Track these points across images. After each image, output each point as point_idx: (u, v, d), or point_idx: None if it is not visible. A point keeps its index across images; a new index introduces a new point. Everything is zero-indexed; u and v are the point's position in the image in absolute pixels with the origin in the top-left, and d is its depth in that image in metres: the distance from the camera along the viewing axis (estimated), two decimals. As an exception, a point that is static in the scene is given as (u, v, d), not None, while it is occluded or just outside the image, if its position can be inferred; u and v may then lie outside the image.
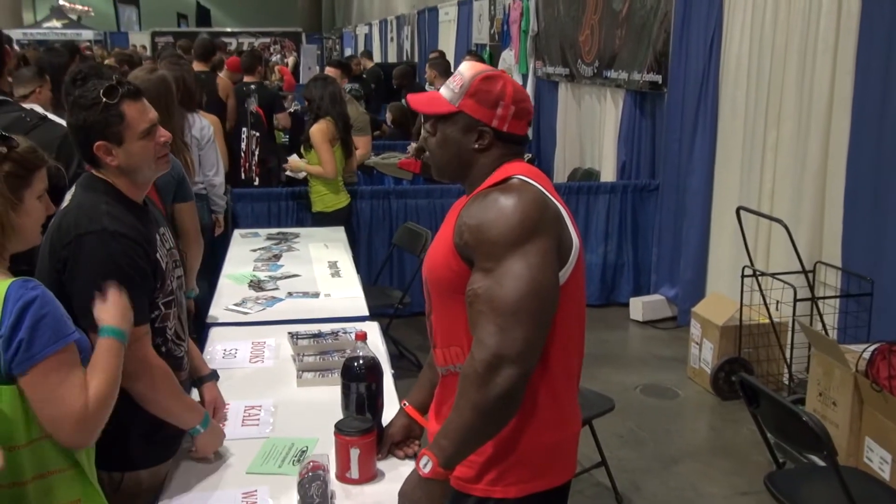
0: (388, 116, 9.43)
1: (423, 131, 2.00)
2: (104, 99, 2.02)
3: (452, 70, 7.25)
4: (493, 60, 9.97)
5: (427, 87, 7.70)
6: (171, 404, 2.13)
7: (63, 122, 3.44)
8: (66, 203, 2.11)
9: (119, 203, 2.07)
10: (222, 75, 7.49)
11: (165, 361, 2.13)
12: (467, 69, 1.90)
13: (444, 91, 1.91)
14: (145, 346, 2.05)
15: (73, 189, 2.15)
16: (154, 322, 2.12)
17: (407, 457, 2.20)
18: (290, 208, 5.94)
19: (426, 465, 1.79)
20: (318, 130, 5.14)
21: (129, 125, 2.05)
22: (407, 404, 2.23)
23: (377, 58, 18.36)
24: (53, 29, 23.94)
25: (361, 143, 6.04)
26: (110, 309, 1.89)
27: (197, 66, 6.86)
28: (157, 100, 3.25)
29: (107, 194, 2.07)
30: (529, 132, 8.87)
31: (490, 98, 1.87)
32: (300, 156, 5.58)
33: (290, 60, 17.64)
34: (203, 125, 4.55)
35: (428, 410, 2.14)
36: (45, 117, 3.36)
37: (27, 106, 4.22)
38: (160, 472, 2.18)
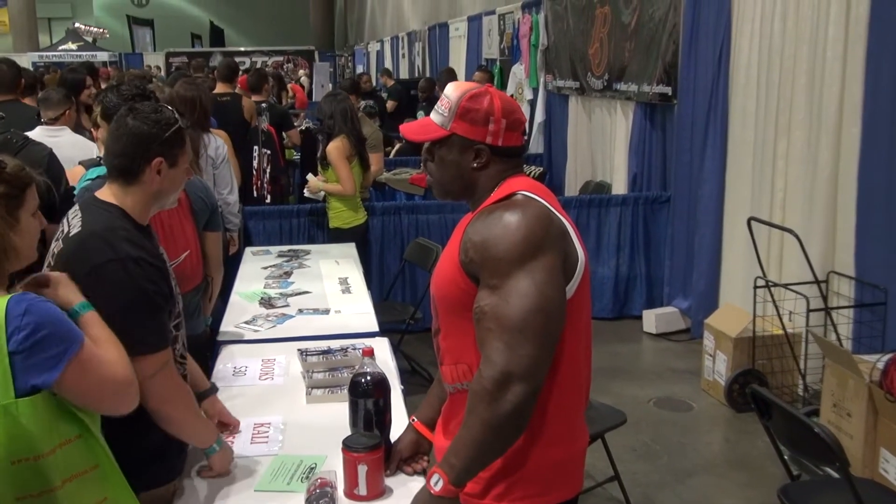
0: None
1: (424, 156, 2.00)
2: (178, 122, 2.12)
3: None
4: (504, 75, 10.01)
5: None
6: (195, 424, 2.17)
7: (43, 143, 3.54)
8: (74, 227, 2.07)
9: (132, 226, 2.08)
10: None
11: None
12: (452, 90, 1.91)
13: (434, 116, 1.92)
14: (172, 368, 2.08)
15: (76, 210, 2.14)
16: None
17: (415, 473, 2.20)
18: (301, 225, 5.97)
19: (437, 483, 1.79)
20: (335, 148, 5.17)
21: (185, 153, 2.16)
22: (415, 420, 2.23)
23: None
24: (69, 51, 24.22)
25: (374, 160, 6.07)
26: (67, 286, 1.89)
27: (220, 88, 6.88)
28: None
29: (120, 219, 2.07)
30: (539, 141, 8.94)
31: (479, 116, 1.87)
32: (314, 174, 5.61)
33: (304, 80, 17.74)
34: (218, 144, 4.61)
35: (436, 427, 2.14)
36: (28, 138, 3.47)
37: (56, 128, 4.32)
38: (168, 492, 2.19)
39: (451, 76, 7.79)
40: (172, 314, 2.16)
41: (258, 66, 18.82)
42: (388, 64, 19.51)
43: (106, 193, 2.13)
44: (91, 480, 1.80)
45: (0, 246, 1.74)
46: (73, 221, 2.09)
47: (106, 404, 1.83)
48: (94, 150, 4.31)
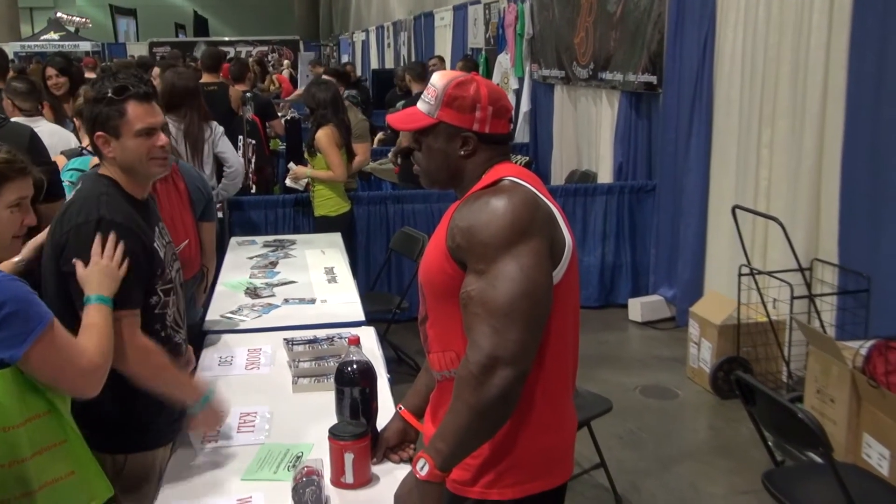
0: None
1: (411, 145, 2.00)
2: (110, 94, 2.18)
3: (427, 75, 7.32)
4: (490, 64, 10.00)
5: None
6: (158, 385, 2.20)
7: (26, 124, 3.64)
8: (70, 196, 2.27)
9: (119, 195, 2.21)
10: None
11: (165, 346, 2.24)
12: (439, 79, 1.91)
13: (421, 104, 1.92)
14: (131, 327, 2.13)
15: (79, 184, 2.31)
16: (154, 308, 2.24)
17: (402, 461, 2.20)
18: (287, 215, 5.95)
19: (423, 468, 1.79)
20: (325, 135, 5.17)
21: (127, 121, 2.19)
22: (402, 408, 2.23)
23: (374, 63, 18.41)
24: (51, 41, 23.96)
25: (360, 150, 6.05)
26: (91, 278, 2.04)
27: (206, 78, 6.76)
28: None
29: (107, 187, 2.21)
30: (525, 130, 8.93)
31: (466, 103, 1.87)
32: (298, 163, 5.59)
33: (286, 73, 17.64)
34: (212, 125, 4.87)
35: (423, 414, 2.14)
36: (7, 118, 3.51)
37: (33, 119, 4.33)
38: (163, 455, 2.25)
39: (421, 67, 7.74)
40: (162, 278, 2.25)
41: (242, 55, 18.70)
42: (373, 54, 19.43)
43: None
44: (59, 454, 1.88)
45: None
46: (74, 193, 2.29)
47: (68, 385, 1.90)
48: (72, 139, 4.31)
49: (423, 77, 7.29)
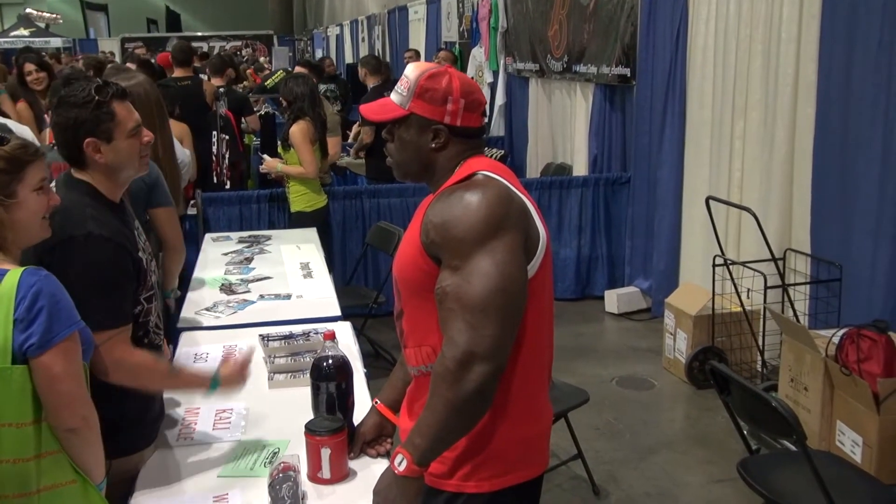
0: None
1: (384, 136, 1.99)
2: (96, 97, 2.10)
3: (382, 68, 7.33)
4: (464, 58, 9.99)
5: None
6: (155, 390, 2.21)
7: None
8: None
9: (101, 205, 2.14)
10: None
11: (147, 350, 2.21)
12: (412, 70, 1.90)
13: (394, 96, 1.91)
14: (118, 345, 2.09)
15: (52, 187, 2.17)
16: (138, 317, 2.20)
17: (379, 455, 2.20)
18: (262, 211, 5.92)
19: (401, 463, 1.79)
20: (299, 130, 5.13)
21: (118, 123, 2.14)
22: (378, 402, 2.23)
23: (349, 58, 18.33)
24: (21, 37, 23.68)
25: (331, 144, 6.03)
26: None
27: (179, 72, 6.70)
28: (145, 104, 3.37)
29: (89, 195, 2.13)
30: (500, 124, 8.94)
31: (437, 95, 1.86)
32: (272, 155, 5.56)
33: (262, 61, 17.54)
34: None
35: (399, 408, 2.14)
36: None
37: None
38: (139, 460, 2.23)
39: (376, 60, 7.70)
40: (144, 286, 2.20)
41: (215, 51, 18.57)
42: (347, 48, 19.34)
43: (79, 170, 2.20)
44: (63, 461, 1.89)
45: None
46: None
47: (57, 399, 1.85)
48: (27, 133, 4.30)
49: (379, 70, 7.28)
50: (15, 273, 1.81)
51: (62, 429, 1.86)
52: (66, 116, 2.12)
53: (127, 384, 2.10)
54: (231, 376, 2.27)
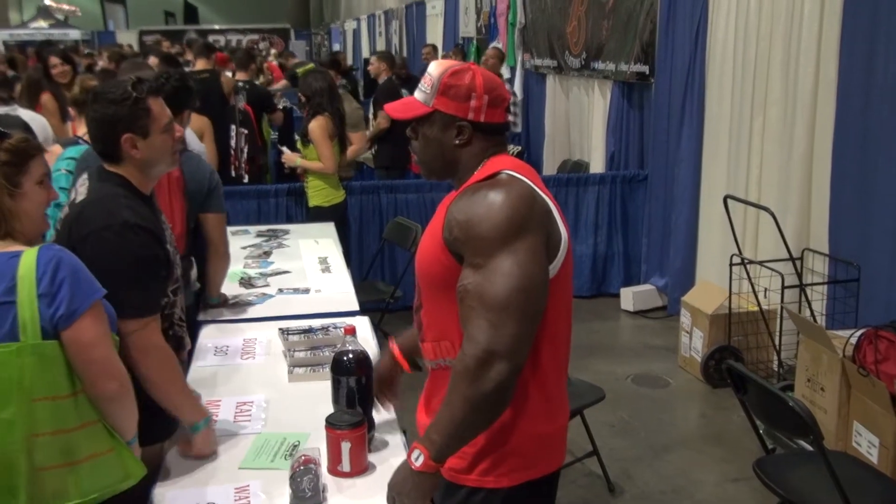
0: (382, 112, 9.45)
1: (409, 135, 2.01)
2: (133, 93, 2.13)
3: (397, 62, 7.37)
4: (481, 53, 9.98)
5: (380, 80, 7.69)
6: (173, 390, 2.20)
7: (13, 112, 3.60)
8: (81, 194, 2.20)
9: (135, 196, 2.18)
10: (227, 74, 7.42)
11: (171, 343, 2.23)
12: (435, 68, 1.91)
13: (418, 93, 1.92)
14: (154, 331, 2.13)
15: (84, 179, 2.24)
16: (164, 309, 2.22)
17: (390, 401, 2.31)
18: (280, 205, 5.95)
19: (418, 459, 1.81)
20: (318, 126, 5.16)
21: (154, 119, 2.18)
22: (394, 344, 2.28)
23: (366, 52, 18.36)
24: (40, 29, 23.84)
25: (356, 139, 6.05)
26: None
27: (200, 65, 6.81)
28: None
29: (122, 187, 2.17)
30: (518, 121, 8.95)
31: (461, 92, 1.87)
32: (291, 150, 5.59)
33: (273, 55, 17.55)
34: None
35: (410, 354, 2.22)
36: None
37: (7, 107, 4.38)
38: (160, 451, 2.25)
39: (390, 55, 7.74)
40: (171, 279, 2.24)
41: (233, 44, 18.60)
42: (364, 42, 19.35)
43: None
44: (100, 430, 1.94)
45: None
46: (81, 189, 2.22)
47: (97, 368, 1.90)
48: (47, 125, 4.34)
49: (394, 65, 7.31)
50: (31, 252, 1.85)
51: (103, 398, 1.91)
52: (103, 112, 2.15)
53: (153, 373, 2.11)
54: (207, 445, 2.26)
